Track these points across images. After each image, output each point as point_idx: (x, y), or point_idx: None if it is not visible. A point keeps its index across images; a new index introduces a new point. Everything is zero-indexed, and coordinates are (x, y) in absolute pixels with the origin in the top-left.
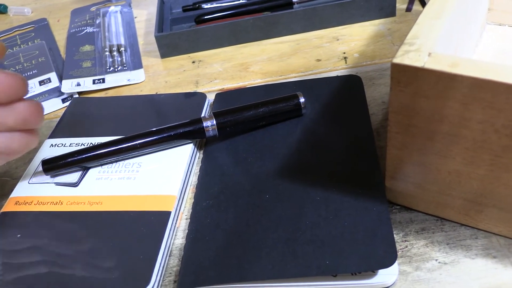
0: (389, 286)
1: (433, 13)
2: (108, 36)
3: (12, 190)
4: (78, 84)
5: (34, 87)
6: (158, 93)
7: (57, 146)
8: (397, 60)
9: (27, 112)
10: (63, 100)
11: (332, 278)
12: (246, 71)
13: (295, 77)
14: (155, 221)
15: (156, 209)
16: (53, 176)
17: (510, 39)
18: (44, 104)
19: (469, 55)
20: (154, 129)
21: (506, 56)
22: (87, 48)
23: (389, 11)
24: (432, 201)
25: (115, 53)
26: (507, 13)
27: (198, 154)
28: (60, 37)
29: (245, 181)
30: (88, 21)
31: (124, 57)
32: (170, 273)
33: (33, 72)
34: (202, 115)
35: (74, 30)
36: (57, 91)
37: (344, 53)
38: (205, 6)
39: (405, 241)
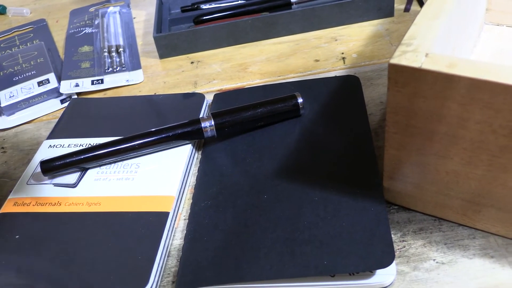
0: (387, 286)
1: (431, 13)
2: (107, 37)
3: (10, 191)
4: (77, 85)
5: (33, 88)
6: (157, 93)
7: (56, 147)
8: (395, 60)
9: None
10: (62, 101)
11: (330, 278)
12: (245, 72)
13: (293, 77)
14: (154, 222)
15: (155, 209)
16: (51, 177)
17: (508, 39)
18: (42, 105)
19: (467, 56)
20: (153, 129)
21: (504, 56)
22: (85, 48)
23: (387, 11)
24: (430, 201)
25: (113, 53)
26: (505, 13)
27: (196, 154)
28: (59, 38)
29: (243, 182)
30: (87, 22)
31: (122, 57)
32: (169, 273)
33: (32, 73)
34: (201, 115)
35: (73, 30)
36: (55, 92)
37: (343, 53)
38: (203, 6)
39: (403, 241)
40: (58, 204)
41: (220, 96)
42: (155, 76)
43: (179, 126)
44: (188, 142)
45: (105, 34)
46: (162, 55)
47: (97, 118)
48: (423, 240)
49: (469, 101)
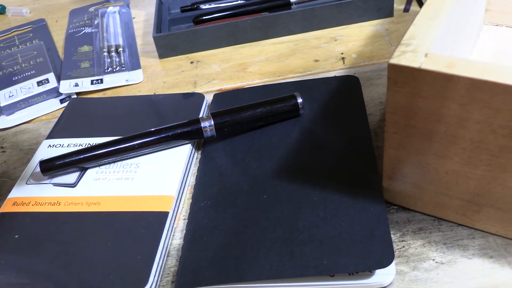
0: (386, 286)
1: (430, 13)
2: (106, 37)
3: (10, 191)
4: (76, 85)
5: (32, 87)
6: (156, 93)
7: (55, 146)
8: (394, 60)
9: None
10: (61, 101)
11: (330, 278)
12: (244, 72)
13: (293, 77)
14: (153, 222)
15: (154, 209)
16: (51, 177)
17: (507, 40)
18: (42, 104)
19: (467, 56)
20: (152, 129)
21: (504, 56)
22: (85, 48)
23: (387, 11)
24: (429, 201)
25: (113, 53)
26: (505, 14)
27: (196, 154)
28: (58, 38)
29: (243, 182)
30: (87, 22)
31: (122, 57)
32: (168, 273)
33: (31, 72)
34: (200, 115)
35: (72, 30)
36: (55, 92)
37: (342, 53)
38: (203, 6)
39: (403, 241)
40: (58, 204)
41: (220, 96)
42: (154, 76)
43: (178, 126)
44: (187, 142)
45: (105, 34)
46: (161, 55)
47: (96, 118)
48: (422, 240)
49: (468, 101)
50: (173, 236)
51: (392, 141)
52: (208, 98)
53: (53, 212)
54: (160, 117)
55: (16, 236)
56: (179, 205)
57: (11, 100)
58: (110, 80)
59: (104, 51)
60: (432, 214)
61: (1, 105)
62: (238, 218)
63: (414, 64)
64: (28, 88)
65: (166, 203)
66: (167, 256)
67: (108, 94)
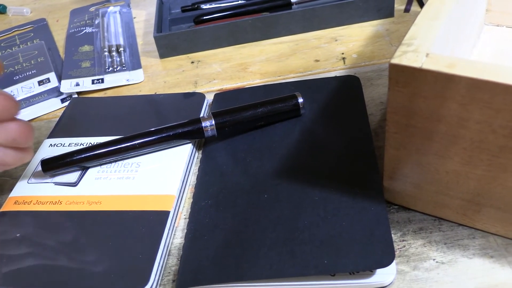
0: (387, 286)
1: (431, 14)
2: (107, 36)
3: (11, 190)
4: (77, 84)
5: (33, 87)
6: (157, 93)
7: (56, 146)
8: (395, 60)
9: (16, 132)
10: (62, 100)
11: (330, 278)
12: (245, 72)
13: (293, 77)
14: (154, 221)
15: (155, 208)
16: (52, 176)
17: (508, 40)
18: (43, 104)
19: (467, 56)
20: (153, 129)
21: (504, 56)
22: (86, 48)
23: (387, 12)
24: (430, 201)
25: (114, 53)
26: (505, 14)
27: (197, 154)
28: (59, 37)
29: (243, 181)
30: (87, 21)
31: (123, 57)
32: (169, 272)
33: (32, 72)
34: (201, 115)
35: (73, 30)
36: (56, 91)
37: (343, 53)
38: (204, 6)
39: (403, 240)
40: (59, 203)
41: (221, 96)
42: (155, 76)
43: (179, 126)
44: (188, 141)
45: (106, 34)
46: (162, 55)
47: (97, 117)
48: (423, 239)
49: (469, 101)
50: (174, 235)
51: (392, 141)
52: (209, 97)
53: (54, 211)
54: (161, 116)
55: (18, 235)
56: (180, 204)
57: None
58: (111, 79)
59: (105, 51)
60: (433, 214)
61: None
62: (238, 218)
63: (415, 64)
64: (29, 87)
65: (167, 203)
66: (168, 255)
67: (109, 93)
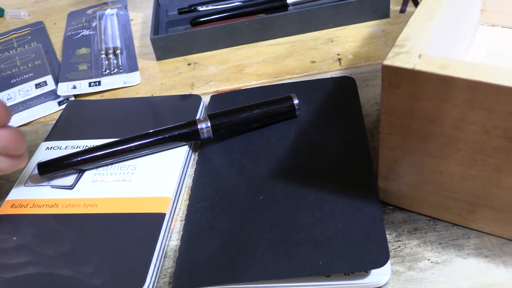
0: (382, 286)
1: (425, 14)
2: (104, 39)
3: (8, 193)
4: (74, 87)
5: (30, 90)
6: (154, 95)
7: (53, 149)
8: (388, 62)
9: (7, 139)
10: (59, 103)
11: (326, 278)
12: (241, 73)
13: (290, 78)
14: (150, 223)
15: (151, 211)
16: (48, 179)
17: (503, 40)
18: (40, 107)
19: (462, 56)
20: (149, 131)
21: (499, 57)
22: (83, 51)
23: (383, 12)
24: (425, 201)
25: (111, 55)
26: (500, 14)
27: (193, 156)
28: (57, 40)
29: (239, 183)
30: (84, 24)
31: (120, 59)
32: (165, 274)
33: (29, 75)
34: (197, 117)
35: (70, 33)
36: (53, 94)
37: (339, 54)
38: (200, 8)
39: (398, 241)
40: (55, 206)
41: (217, 98)
42: (152, 78)
43: (175, 128)
44: (184, 143)
45: (103, 36)
46: (159, 57)
47: (94, 120)
48: (418, 240)
49: (462, 102)
50: (170, 237)
51: (387, 142)
52: (205, 99)
53: (51, 214)
54: (157, 119)
55: (14, 238)
56: (176, 206)
57: (10, 102)
58: (108, 82)
59: (102, 53)
60: (428, 214)
61: None
62: (234, 219)
63: (408, 65)
64: (26, 90)
65: (163, 205)
66: (164, 257)
67: (106, 96)
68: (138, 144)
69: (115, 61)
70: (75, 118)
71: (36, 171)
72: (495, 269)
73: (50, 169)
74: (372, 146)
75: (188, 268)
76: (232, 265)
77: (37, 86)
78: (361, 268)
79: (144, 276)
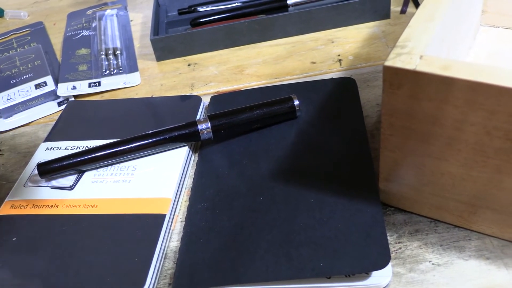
0: None
1: (426, 15)
2: (104, 39)
3: (7, 194)
4: (74, 88)
5: (30, 90)
6: (154, 96)
7: (53, 149)
8: (389, 63)
9: None
10: (59, 104)
11: (326, 280)
12: (242, 74)
13: (290, 79)
14: (150, 224)
15: (151, 212)
16: (48, 180)
17: (503, 41)
18: (40, 107)
19: (463, 57)
20: (149, 132)
21: (500, 58)
22: (83, 51)
23: (383, 13)
24: (426, 203)
25: (111, 56)
26: (501, 15)
27: (193, 156)
28: (56, 41)
29: (240, 184)
30: (84, 25)
31: (120, 60)
32: (165, 275)
33: (29, 75)
34: (197, 118)
35: (70, 33)
36: (53, 95)
37: (339, 55)
38: (200, 9)
39: (399, 242)
40: (55, 207)
41: (217, 99)
42: (152, 79)
43: (175, 129)
44: (184, 144)
45: (102, 37)
46: (159, 58)
47: (94, 120)
48: (419, 241)
49: (463, 103)
50: (170, 239)
51: (388, 143)
52: (205, 100)
53: (51, 214)
54: (157, 119)
55: (14, 239)
56: (176, 207)
57: (9, 103)
58: (107, 82)
59: (102, 54)
60: (429, 216)
61: None
62: (235, 220)
63: (409, 66)
64: (26, 91)
65: (163, 206)
66: (164, 259)
67: (106, 96)
68: (138, 145)
69: (115, 62)
70: (75, 118)
71: (35, 172)
72: (496, 271)
73: (49, 170)
74: (373, 147)
75: (188, 269)
76: (232, 266)
77: (37, 86)
78: (362, 269)
79: (144, 277)
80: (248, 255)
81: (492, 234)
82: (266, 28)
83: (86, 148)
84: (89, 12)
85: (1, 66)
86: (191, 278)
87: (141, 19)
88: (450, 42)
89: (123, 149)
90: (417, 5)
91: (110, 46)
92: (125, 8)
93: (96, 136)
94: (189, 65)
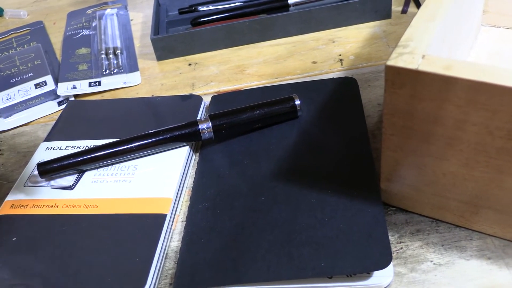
0: None
1: (427, 15)
2: (104, 39)
3: (7, 193)
4: (74, 87)
5: (30, 90)
6: (154, 95)
7: (53, 149)
8: (391, 62)
9: None
10: (59, 103)
11: (328, 280)
12: (242, 74)
13: (291, 79)
14: (151, 224)
15: (152, 211)
16: (48, 179)
17: (505, 41)
18: (40, 107)
19: (464, 57)
20: (150, 131)
21: (501, 57)
22: (83, 51)
23: (384, 13)
24: (427, 202)
25: (111, 55)
26: (502, 15)
27: (194, 156)
28: (56, 40)
29: (241, 184)
30: (84, 24)
31: (120, 59)
32: (166, 275)
33: (29, 75)
34: (198, 117)
35: (70, 32)
36: (53, 94)
37: (340, 55)
38: (201, 8)
39: (400, 242)
40: (55, 206)
41: (218, 98)
42: (152, 78)
43: (176, 128)
44: (185, 144)
45: (103, 36)
46: (159, 57)
47: (94, 120)
48: (420, 241)
49: (465, 102)
50: (171, 238)
51: (389, 143)
52: (206, 100)
53: (51, 214)
54: (158, 119)
55: (14, 239)
56: (177, 207)
57: (9, 102)
58: (108, 82)
59: (102, 53)
60: (430, 216)
61: None
62: (236, 220)
63: (412, 66)
64: (26, 90)
65: (164, 206)
66: (165, 258)
67: (106, 96)
68: (138, 145)
69: (115, 61)
70: (75, 118)
71: (36, 171)
72: (498, 271)
73: (50, 170)
74: (374, 147)
75: (189, 269)
76: (233, 266)
77: (37, 86)
78: (364, 269)
79: (145, 277)
80: (249, 255)
81: (493, 234)
82: (267, 28)
83: (87, 147)
84: (89, 11)
85: (1, 66)
86: (192, 278)
87: (141, 18)
88: (451, 42)
89: (124, 148)
90: (418, 5)
91: (110, 45)
92: (125, 8)
93: (96, 135)
94: (189, 64)
